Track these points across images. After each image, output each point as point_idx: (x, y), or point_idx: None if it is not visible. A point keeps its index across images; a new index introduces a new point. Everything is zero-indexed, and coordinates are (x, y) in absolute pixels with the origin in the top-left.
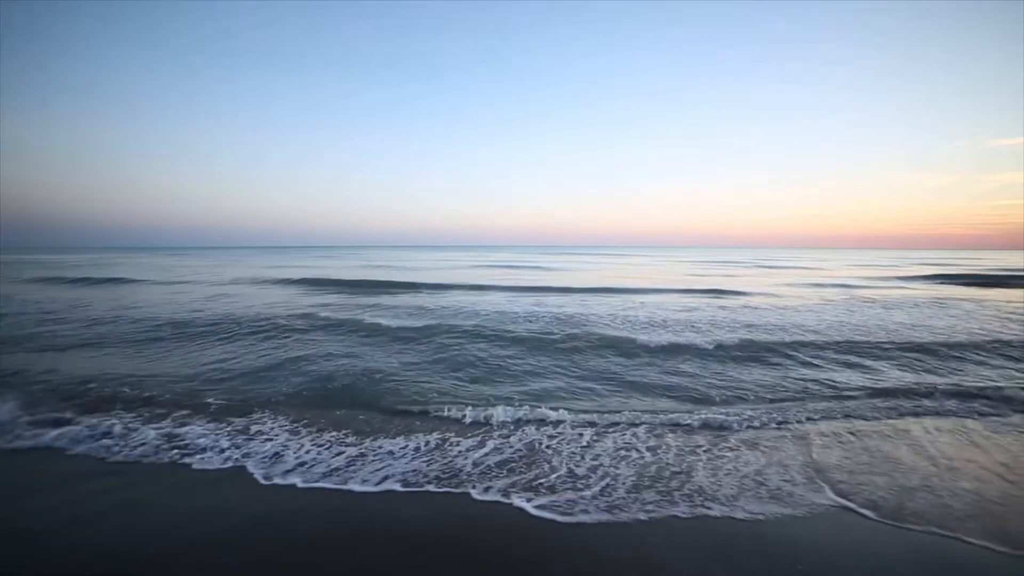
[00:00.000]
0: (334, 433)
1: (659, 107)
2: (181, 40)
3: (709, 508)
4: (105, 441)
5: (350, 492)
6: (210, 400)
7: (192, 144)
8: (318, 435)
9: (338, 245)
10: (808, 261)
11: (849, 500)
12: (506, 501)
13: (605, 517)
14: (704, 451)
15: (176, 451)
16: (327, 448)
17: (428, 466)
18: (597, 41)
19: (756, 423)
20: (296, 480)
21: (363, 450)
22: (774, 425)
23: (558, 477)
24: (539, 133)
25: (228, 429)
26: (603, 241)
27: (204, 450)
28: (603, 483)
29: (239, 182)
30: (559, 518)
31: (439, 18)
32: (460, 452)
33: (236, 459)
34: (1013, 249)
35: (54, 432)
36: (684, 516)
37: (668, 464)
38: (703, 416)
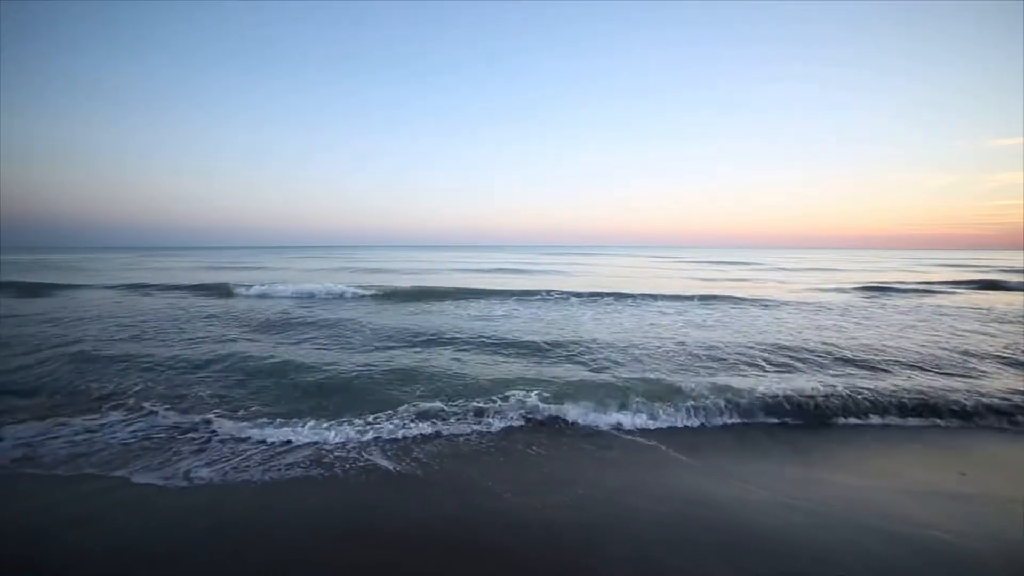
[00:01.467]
0: None
1: (659, 107)
2: (181, 40)
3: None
4: None
5: None
6: None
7: (193, 144)
8: None
9: (338, 245)
10: (832, 263)
11: None
12: None
13: None
14: None
15: None
16: None
17: None
18: (597, 42)
19: None
20: None
21: None
22: None
23: None
24: (540, 134)
25: None
26: (605, 241)
27: None
28: None
29: (240, 182)
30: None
31: (440, 18)
32: None
33: None
34: (1013, 249)
35: None
36: (683, 513)
37: None
38: None
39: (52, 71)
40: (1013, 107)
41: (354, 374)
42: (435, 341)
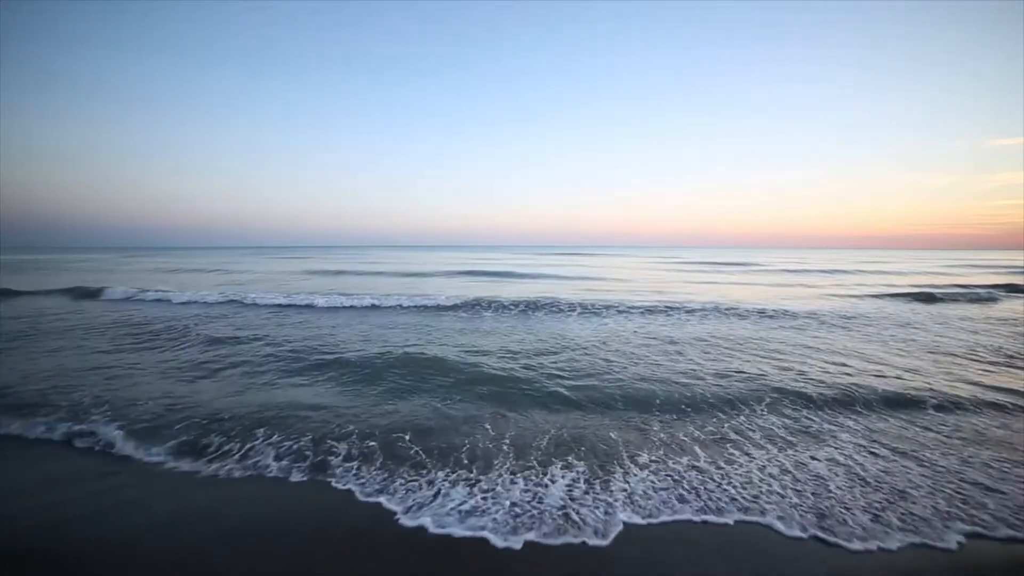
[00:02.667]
0: None
1: (660, 107)
2: (181, 40)
3: None
4: None
5: None
6: None
7: (193, 144)
8: None
9: (337, 245)
10: (834, 264)
11: None
12: None
13: None
14: None
15: None
16: None
17: None
18: (597, 42)
19: None
20: None
21: None
22: None
23: None
24: (540, 133)
25: None
26: (607, 241)
27: None
28: None
29: (240, 182)
30: None
31: (442, 19)
32: None
33: None
34: (1013, 249)
35: None
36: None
37: None
38: None
39: (52, 71)
40: (1013, 107)
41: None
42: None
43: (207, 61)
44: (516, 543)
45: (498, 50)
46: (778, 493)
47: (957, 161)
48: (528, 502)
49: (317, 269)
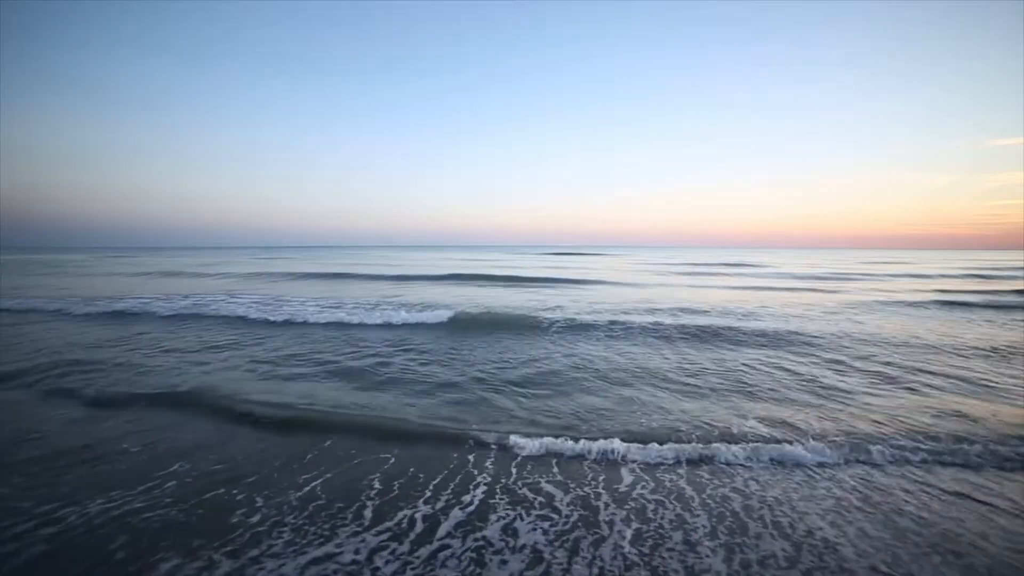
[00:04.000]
0: None
1: (660, 108)
2: (181, 40)
3: None
4: None
5: None
6: None
7: (193, 144)
8: None
9: (339, 245)
10: (839, 265)
11: None
12: None
13: None
14: None
15: None
16: None
17: None
18: (598, 42)
19: None
20: None
21: None
22: None
23: None
24: (541, 133)
25: None
26: (608, 241)
27: None
28: None
29: (243, 183)
30: None
31: (445, 19)
32: None
33: None
34: (1013, 249)
35: None
36: None
37: None
38: None
39: (52, 71)
40: (1013, 107)
41: None
42: None
43: (207, 61)
44: None
45: (499, 50)
46: None
47: (957, 161)
48: None
49: (297, 271)
